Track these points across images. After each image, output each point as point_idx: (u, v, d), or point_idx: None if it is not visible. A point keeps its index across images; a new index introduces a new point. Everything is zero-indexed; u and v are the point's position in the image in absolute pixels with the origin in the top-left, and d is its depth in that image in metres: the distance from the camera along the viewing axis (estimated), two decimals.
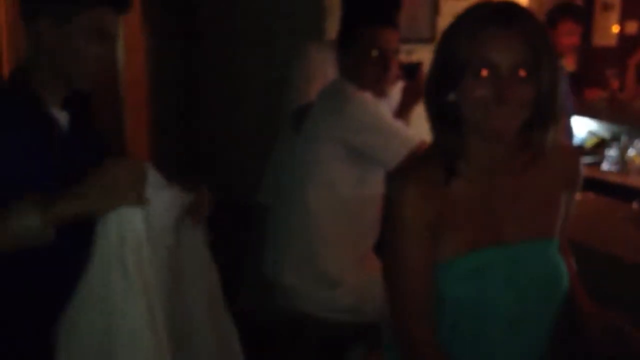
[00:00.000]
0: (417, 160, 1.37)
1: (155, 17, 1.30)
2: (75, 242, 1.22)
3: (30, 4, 1.41)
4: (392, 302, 1.30)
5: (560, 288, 1.31)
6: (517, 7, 1.22)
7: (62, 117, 1.46)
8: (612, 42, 5.60)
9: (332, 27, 2.98)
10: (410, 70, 2.39)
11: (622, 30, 5.62)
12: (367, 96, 2.14)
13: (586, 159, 3.85)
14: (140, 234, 1.20)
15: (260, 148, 3.05)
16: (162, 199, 1.26)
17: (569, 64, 4.63)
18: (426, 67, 2.48)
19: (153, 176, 1.25)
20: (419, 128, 2.32)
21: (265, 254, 2.27)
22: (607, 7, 5.71)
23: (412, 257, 1.25)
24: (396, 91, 2.40)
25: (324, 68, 2.61)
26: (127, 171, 1.20)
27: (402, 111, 2.43)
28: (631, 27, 5.62)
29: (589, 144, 3.88)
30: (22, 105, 1.39)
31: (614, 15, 5.66)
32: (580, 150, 1.46)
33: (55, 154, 1.40)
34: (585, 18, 4.01)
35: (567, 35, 3.55)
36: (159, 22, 1.31)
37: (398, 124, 2.20)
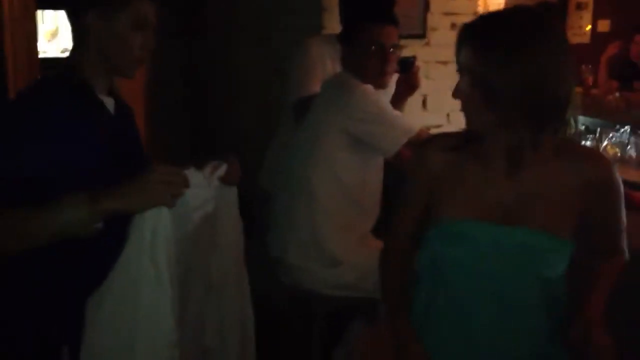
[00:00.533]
0: (447, 134, 1.58)
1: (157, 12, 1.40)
2: (108, 235, 1.34)
3: (78, 1, 1.50)
4: (391, 227, 1.64)
5: (538, 279, 1.40)
6: (491, 26, 1.35)
7: (108, 103, 1.57)
8: (585, 39, 5.83)
9: (330, 21, 3.10)
10: (405, 64, 2.53)
11: (595, 28, 5.85)
12: (369, 88, 2.28)
13: None
14: (169, 231, 1.35)
15: (260, 137, 3.17)
16: (199, 190, 1.43)
17: None
18: (419, 61, 2.66)
19: (192, 175, 1.41)
20: (410, 117, 2.49)
21: (270, 236, 2.40)
22: (580, 6, 5.93)
23: (410, 201, 1.58)
24: (391, 83, 2.54)
25: (322, 61, 2.73)
26: (166, 176, 1.33)
27: (397, 102, 2.58)
28: (603, 26, 5.85)
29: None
30: (74, 93, 1.48)
31: (587, 14, 5.89)
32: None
33: (105, 137, 1.52)
34: (563, 16, 4.20)
35: None
36: (160, 17, 1.38)
37: (398, 114, 2.35)
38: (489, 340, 1.43)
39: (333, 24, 2.97)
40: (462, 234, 1.43)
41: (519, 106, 1.31)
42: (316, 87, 2.56)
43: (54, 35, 7.07)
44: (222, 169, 1.50)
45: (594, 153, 1.57)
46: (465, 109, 1.40)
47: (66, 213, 1.27)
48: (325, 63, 2.71)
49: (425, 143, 1.59)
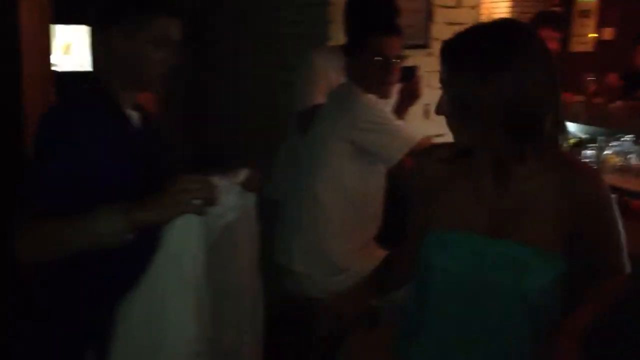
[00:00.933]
0: (442, 145, 1.58)
1: None
2: (139, 243, 1.39)
3: (102, 16, 1.55)
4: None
5: (519, 292, 1.39)
6: (464, 44, 1.34)
7: (134, 116, 1.62)
8: (589, 47, 5.86)
9: (336, 32, 3.15)
10: (407, 73, 2.58)
11: (599, 36, 5.88)
12: (372, 98, 2.33)
13: None
14: (200, 240, 1.38)
15: (264, 146, 3.21)
16: (225, 197, 1.46)
17: None
18: (421, 71, 2.70)
19: (218, 181, 1.44)
20: (411, 127, 2.53)
21: (276, 244, 2.45)
22: (584, 14, 5.96)
23: (414, 214, 1.61)
24: (394, 93, 2.59)
25: (326, 71, 2.78)
26: (190, 184, 1.36)
27: (399, 111, 2.64)
28: (607, 34, 5.88)
29: (568, 144, 4.11)
30: (103, 108, 1.53)
31: (592, 22, 5.92)
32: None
33: (132, 150, 1.56)
34: (565, 25, 4.23)
35: (546, 42, 3.77)
36: None
37: (400, 124, 2.39)
38: (472, 348, 1.44)
39: (339, 35, 3.01)
40: (449, 244, 1.45)
41: (495, 122, 1.31)
42: (320, 98, 2.62)
43: (68, 49, 7.20)
44: (244, 174, 1.51)
45: (586, 167, 1.50)
46: (448, 124, 1.41)
47: (101, 223, 1.34)
48: (329, 74, 2.76)
49: (420, 155, 1.65)
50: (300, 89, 2.81)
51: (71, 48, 7.25)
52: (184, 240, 1.37)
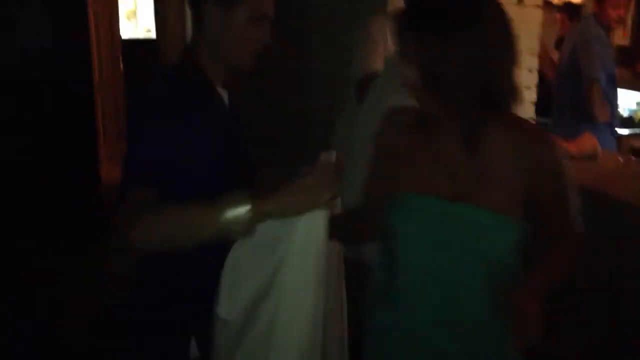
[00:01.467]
0: (407, 109, 1.51)
1: None
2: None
3: None
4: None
5: (479, 256, 1.41)
6: (417, 11, 1.33)
7: (223, 95, 1.58)
8: None
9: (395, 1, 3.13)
10: None
11: None
12: None
13: (636, 130, 3.97)
14: (322, 235, 1.34)
15: (326, 121, 3.24)
16: None
17: (620, 37, 4.67)
18: None
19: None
20: None
21: None
22: None
23: (375, 176, 1.59)
24: None
25: (384, 40, 2.79)
26: (326, 179, 1.34)
27: None
28: None
29: (639, 115, 3.98)
30: (195, 86, 1.49)
31: None
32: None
33: (223, 128, 1.54)
34: None
35: (613, 8, 3.66)
36: None
37: None
38: (440, 310, 1.45)
39: (398, 4, 2.99)
40: (411, 209, 1.45)
41: (460, 87, 1.30)
42: (378, 66, 2.62)
43: (133, 15, 7.25)
44: (332, 157, 1.44)
45: (540, 132, 1.48)
46: (413, 95, 1.39)
47: (227, 212, 1.28)
48: (387, 41, 2.75)
49: (382, 120, 1.56)
50: (358, 57, 2.82)
51: (136, 13, 7.16)
52: (310, 235, 1.33)
